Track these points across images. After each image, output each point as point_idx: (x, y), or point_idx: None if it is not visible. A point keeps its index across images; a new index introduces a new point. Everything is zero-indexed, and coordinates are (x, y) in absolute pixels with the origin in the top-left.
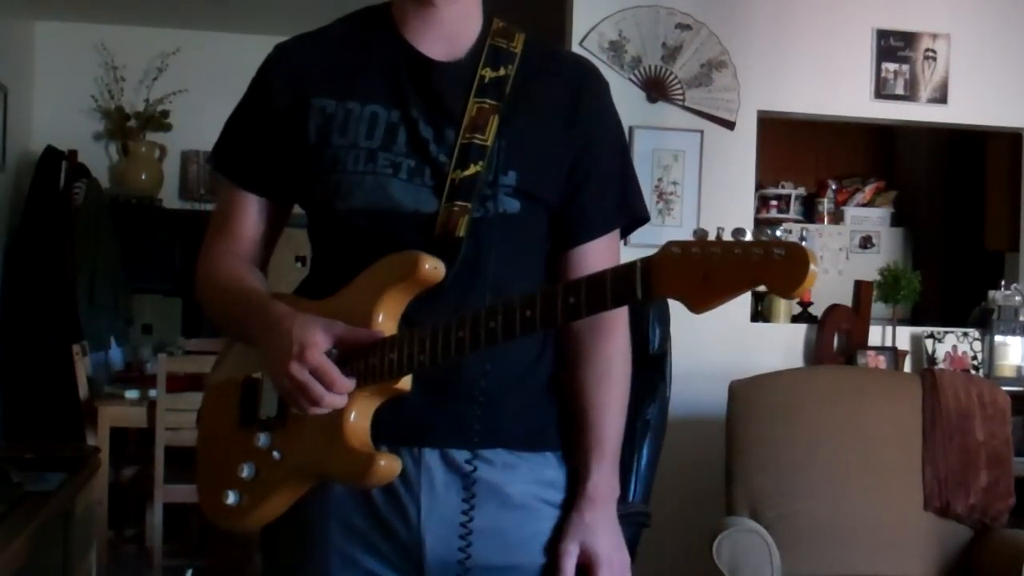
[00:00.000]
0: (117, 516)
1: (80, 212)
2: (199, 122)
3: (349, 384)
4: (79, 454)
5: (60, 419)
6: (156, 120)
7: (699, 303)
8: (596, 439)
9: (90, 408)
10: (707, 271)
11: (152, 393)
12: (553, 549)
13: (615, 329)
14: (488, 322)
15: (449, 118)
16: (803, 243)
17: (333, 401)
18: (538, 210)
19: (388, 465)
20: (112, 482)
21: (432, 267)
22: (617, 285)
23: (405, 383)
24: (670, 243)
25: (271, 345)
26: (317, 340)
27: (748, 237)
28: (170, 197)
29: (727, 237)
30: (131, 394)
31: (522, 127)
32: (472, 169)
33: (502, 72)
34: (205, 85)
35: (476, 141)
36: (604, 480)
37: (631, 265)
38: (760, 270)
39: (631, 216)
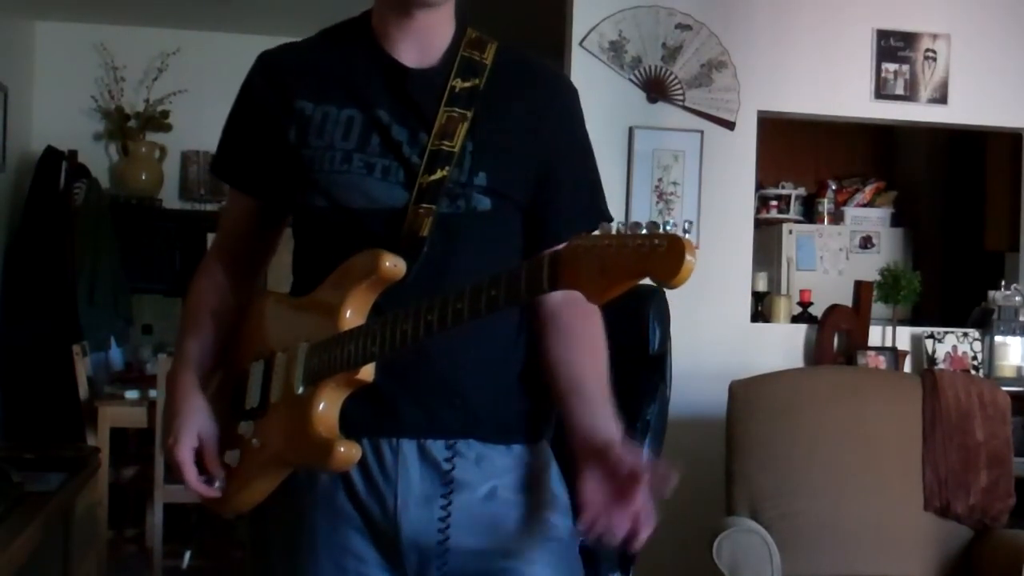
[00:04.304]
0: (117, 516)
1: (80, 212)
2: (199, 122)
3: (200, 486)
4: (79, 454)
5: (60, 419)
6: (156, 120)
7: (596, 295)
8: (602, 398)
9: (90, 408)
10: (604, 264)
11: (152, 393)
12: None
13: (594, 311)
14: (427, 315)
15: (422, 123)
16: (686, 235)
17: (192, 489)
18: (509, 207)
19: (347, 452)
20: (112, 482)
21: (392, 265)
22: (528, 277)
23: (366, 373)
24: (575, 237)
25: (166, 418)
26: (186, 440)
27: (643, 231)
28: (170, 197)
29: (627, 232)
30: (131, 394)
31: (491, 132)
32: (439, 174)
33: (472, 83)
34: (205, 85)
35: (444, 148)
36: (610, 422)
37: (541, 258)
38: (646, 262)
39: (600, 218)
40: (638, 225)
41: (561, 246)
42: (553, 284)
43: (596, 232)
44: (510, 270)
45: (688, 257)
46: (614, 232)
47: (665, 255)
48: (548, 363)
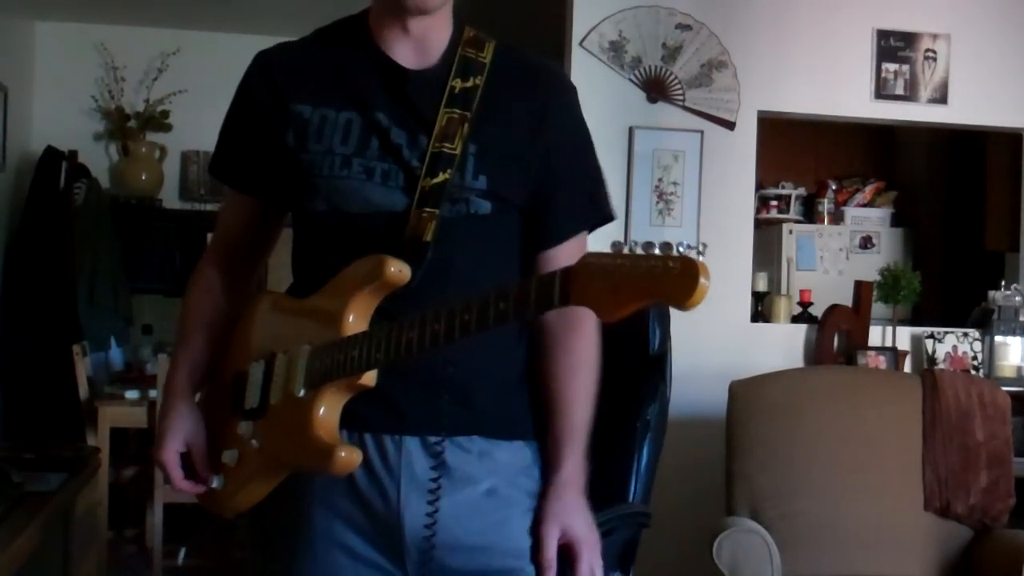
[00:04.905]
0: (117, 516)
1: (80, 212)
2: (199, 122)
3: (186, 485)
4: (79, 454)
5: (60, 419)
6: (156, 120)
7: (607, 313)
8: (568, 429)
9: (90, 408)
10: (616, 283)
11: (152, 393)
12: (534, 533)
13: (583, 324)
14: (433, 324)
15: (421, 125)
16: (700, 258)
17: (178, 487)
18: (509, 210)
19: (348, 457)
20: (112, 482)
21: (397, 270)
22: (539, 292)
23: (368, 379)
24: (587, 255)
25: (159, 421)
26: (171, 443)
27: (656, 252)
28: (170, 197)
29: (639, 252)
30: (131, 394)
31: (491, 134)
32: (441, 177)
33: (472, 83)
34: (205, 85)
35: (445, 150)
36: (577, 467)
37: (553, 274)
38: (659, 283)
39: (599, 218)
40: (651, 245)
41: (573, 263)
42: (564, 300)
43: (603, 252)
44: (519, 283)
45: (702, 280)
46: (625, 252)
47: (679, 277)
48: (536, 374)
